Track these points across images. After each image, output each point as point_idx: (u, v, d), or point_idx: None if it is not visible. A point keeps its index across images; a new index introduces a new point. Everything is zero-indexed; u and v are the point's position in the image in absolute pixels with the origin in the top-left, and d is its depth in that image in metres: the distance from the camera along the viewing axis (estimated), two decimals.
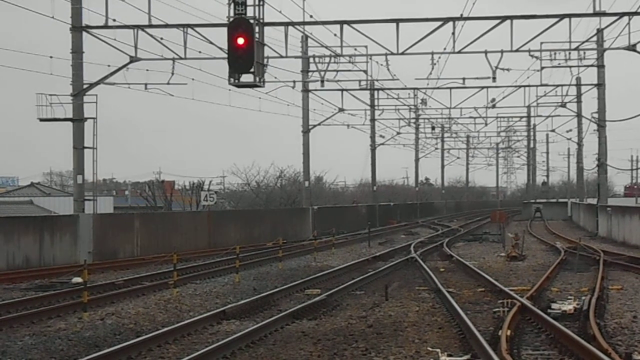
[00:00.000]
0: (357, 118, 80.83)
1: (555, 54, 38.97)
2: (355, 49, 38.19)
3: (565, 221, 76.39)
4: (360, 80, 50.00)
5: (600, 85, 52.68)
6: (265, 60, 29.26)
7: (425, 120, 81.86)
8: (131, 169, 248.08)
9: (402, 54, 34.50)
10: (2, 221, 30.91)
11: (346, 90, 53.72)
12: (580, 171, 75.09)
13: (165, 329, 15.77)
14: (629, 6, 76.37)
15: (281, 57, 34.39)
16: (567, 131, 73.25)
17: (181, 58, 34.24)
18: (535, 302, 19.05)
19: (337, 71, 43.74)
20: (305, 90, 53.10)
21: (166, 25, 33.51)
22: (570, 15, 33.09)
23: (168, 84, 35.79)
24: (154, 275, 26.91)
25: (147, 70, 35.97)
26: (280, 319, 17.05)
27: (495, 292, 21.32)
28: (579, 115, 66.07)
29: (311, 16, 38.52)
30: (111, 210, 71.31)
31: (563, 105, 59.22)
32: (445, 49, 35.14)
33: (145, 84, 36.40)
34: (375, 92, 62.39)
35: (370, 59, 40.35)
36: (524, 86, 54.09)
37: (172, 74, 35.18)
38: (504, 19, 32.76)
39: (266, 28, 27.49)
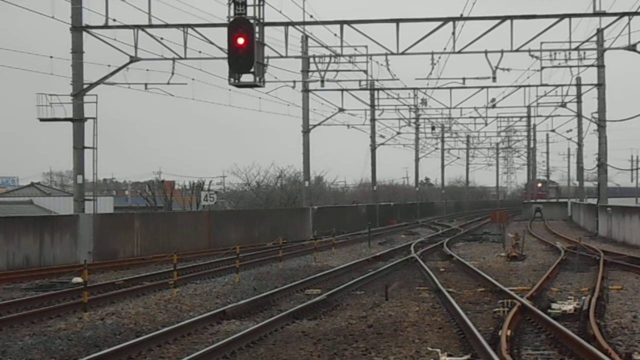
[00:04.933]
0: (357, 118, 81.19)
1: (555, 54, 38.98)
2: (355, 49, 38.21)
3: (565, 221, 76.43)
4: (360, 80, 50.00)
5: (600, 85, 52.67)
6: (265, 60, 29.27)
7: (425, 120, 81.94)
8: (131, 169, 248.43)
9: (402, 54, 34.51)
10: (2, 221, 30.89)
11: (346, 90, 53.72)
12: (580, 171, 75.06)
13: (165, 329, 15.77)
14: (629, 6, 76.40)
15: (281, 57, 34.41)
16: (567, 131, 73.37)
17: (181, 58, 34.24)
18: (536, 302, 19.05)
19: (337, 71, 43.79)
20: (305, 90, 53.09)
21: (166, 25, 33.51)
22: (570, 15, 33.09)
23: (168, 84, 35.82)
24: (154, 275, 26.89)
25: (147, 70, 36.04)
26: (280, 319, 17.05)
27: (496, 292, 21.32)
28: (579, 115, 66.05)
29: (311, 16, 38.60)
30: (111, 210, 71.28)
31: (563, 105, 59.22)
32: (445, 49, 35.16)
33: (145, 84, 36.45)
34: (375, 92, 62.39)
35: (370, 59, 40.36)
36: (524, 86, 54.13)
37: (172, 74, 35.22)
38: (504, 19, 32.76)
39: (266, 28, 27.51)
